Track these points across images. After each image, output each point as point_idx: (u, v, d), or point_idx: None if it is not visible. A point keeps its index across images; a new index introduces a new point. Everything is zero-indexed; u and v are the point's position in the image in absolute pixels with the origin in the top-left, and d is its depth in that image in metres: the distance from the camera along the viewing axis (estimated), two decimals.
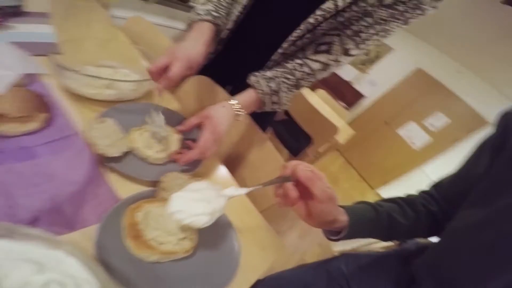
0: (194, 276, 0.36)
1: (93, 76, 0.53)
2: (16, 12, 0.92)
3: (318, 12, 0.53)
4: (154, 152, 0.48)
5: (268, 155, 0.68)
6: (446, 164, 2.73)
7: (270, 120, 0.88)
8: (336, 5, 0.51)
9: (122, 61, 0.69)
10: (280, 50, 0.61)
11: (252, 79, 0.57)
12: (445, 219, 0.48)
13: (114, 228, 0.35)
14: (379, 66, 3.32)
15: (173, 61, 0.49)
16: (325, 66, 0.58)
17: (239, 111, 0.55)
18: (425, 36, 2.86)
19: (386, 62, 3.27)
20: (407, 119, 3.04)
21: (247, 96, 0.56)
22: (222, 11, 0.63)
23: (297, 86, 0.60)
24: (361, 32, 0.55)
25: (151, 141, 0.49)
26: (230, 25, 0.66)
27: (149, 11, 1.82)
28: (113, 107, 0.54)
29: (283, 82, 0.57)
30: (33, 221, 0.33)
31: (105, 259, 0.31)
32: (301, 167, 0.37)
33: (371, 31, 0.55)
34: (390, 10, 0.52)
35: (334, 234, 0.45)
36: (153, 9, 1.86)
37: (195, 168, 0.52)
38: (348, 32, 0.56)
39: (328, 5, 0.52)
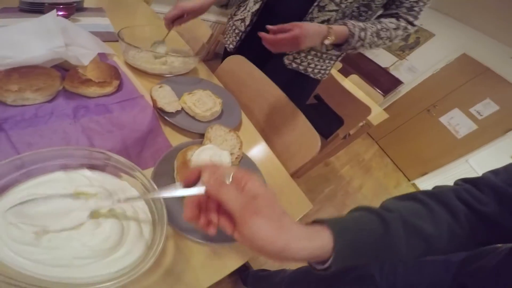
0: None
1: (154, 52, 0.65)
2: (78, 8, 1.09)
3: None
4: (201, 111, 0.57)
5: (299, 126, 0.74)
6: (494, 156, 2.51)
7: (303, 100, 0.95)
8: None
9: (169, 44, 0.80)
10: (316, 3, 0.66)
11: (340, 21, 0.65)
12: (502, 220, 0.32)
13: (167, 168, 0.44)
14: (419, 52, 3.11)
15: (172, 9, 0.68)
16: (397, 27, 0.68)
17: (330, 35, 0.61)
18: (471, 21, 2.65)
19: (427, 48, 3.05)
20: (451, 106, 2.82)
21: (341, 28, 0.63)
22: None
23: (378, 35, 0.67)
24: (413, 7, 0.67)
25: (198, 103, 0.58)
26: (255, 7, 0.75)
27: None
28: (168, 79, 0.66)
29: (369, 26, 0.65)
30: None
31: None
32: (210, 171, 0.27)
33: (421, 3, 0.67)
34: None
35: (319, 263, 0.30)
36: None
37: (233, 126, 0.60)
38: (403, 10, 0.68)
39: None
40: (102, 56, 0.67)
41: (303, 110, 1.82)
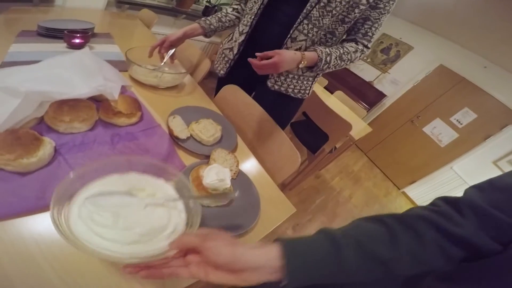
0: (230, 218, 0.57)
1: (150, 69, 0.94)
2: (92, 34, 1.23)
3: (308, 4, 0.78)
4: (205, 137, 0.73)
5: (283, 145, 0.89)
6: (477, 162, 2.70)
7: (288, 119, 1.12)
8: None
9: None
10: (289, 35, 0.83)
11: (311, 47, 0.82)
12: (479, 241, 0.33)
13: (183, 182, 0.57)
14: (400, 65, 3.34)
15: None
16: (356, 50, 0.85)
17: (303, 60, 0.77)
18: (446, 33, 2.86)
19: (407, 61, 3.28)
20: (432, 116, 3.02)
21: (311, 53, 0.79)
22: (213, 24, 0.99)
23: (341, 58, 0.83)
24: (367, 32, 0.84)
25: (203, 130, 0.74)
26: (241, 38, 0.93)
27: (180, 25, 2.41)
28: (177, 109, 0.82)
29: (334, 51, 0.81)
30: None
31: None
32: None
33: (373, 29, 0.83)
34: (377, 10, 0.79)
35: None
36: (182, 24, 2.47)
37: (230, 149, 0.76)
38: (359, 35, 0.85)
39: None
40: (122, 87, 0.83)
41: (292, 127, 1.97)
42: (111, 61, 0.93)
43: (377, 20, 0.81)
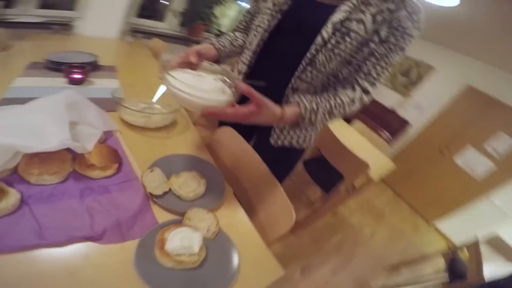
0: (197, 282, 0.50)
1: (136, 110, 0.88)
2: (94, 67, 1.24)
3: (312, 47, 0.66)
4: (185, 192, 0.65)
5: (278, 198, 0.78)
6: None
7: (290, 170, 1.01)
8: (323, 37, 0.65)
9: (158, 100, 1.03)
10: (291, 85, 0.73)
11: (296, 97, 0.66)
12: None
13: (150, 242, 0.52)
14: (423, 88, 3.13)
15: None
16: (352, 101, 0.69)
17: (282, 122, 0.63)
18: (472, 51, 2.65)
19: (430, 82, 3.07)
20: (463, 144, 2.74)
21: (293, 113, 0.64)
22: (227, 46, 0.88)
23: (331, 113, 0.68)
24: (370, 72, 0.67)
25: (183, 185, 0.67)
26: (240, 77, 0.84)
27: None
28: (159, 159, 0.76)
29: (322, 105, 0.66)
30: (103, 233, 0.52)
31: (141, 262, 0.48)
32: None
33: (378, 68, 0.67)
34: (386, 46, 0.64)
35: None
36: None
37: (214, 205, 0.67)
38: (361, 75, 0.68)
39: (318, 39, 0.66)
40: (107, 132, 0.79)
41: (304, 164, 1.85)
42: (106, 100, 0.94)
43: (383, 57, 0.65)
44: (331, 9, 0.65)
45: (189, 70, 0.63)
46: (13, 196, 0.52)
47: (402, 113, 3.23)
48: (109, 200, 0.60)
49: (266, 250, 0.66)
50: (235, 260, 0.56)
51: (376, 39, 0.64)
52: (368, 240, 2.19)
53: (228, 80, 0.63)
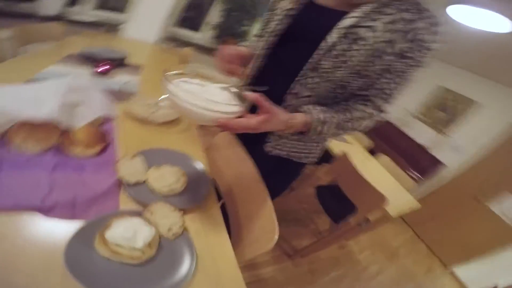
0: (131, 281, 0.43)
1: (144, 104, 0.91)
2: (120, 64, 1.32)
3: (316, 52, 0.63)
4: (159, 186, 0.61)
5: (265, 214, 0.71)
6: None
7: (287, 184, 0.95)
8: (327, 42, 0.61)
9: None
10: (289, 90, 0.68)
11: (305, 107, 0.64)
12: None
13: (97, 226, 0.46)
14: (463, 125, 2.81)
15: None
16: (363, 117, 0.65)
17: (289, 130, 0.61)
18: None
19: (472, 120, 2.75)
20: (502, 190, 2.41)
21: (300, 117, 0.62)
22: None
23: (340, 126, 0.65)
24: (384, 88, 0.63)
25: (159, 178, 0.63)
26: (248, 81, 0.81)
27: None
28: (150, 149, 0.74)
29: (331, 117, 0.63)
30: (52, 206, 0.48)
31: (76, 244, 0.43)
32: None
33: (393, 85, 0.62)
34: (403, 60, 0.59)
35: None
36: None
37: (186, 205, 0.62)
38: (374, 91, 0.64)
39: (322, 44, 0.62)
40: (106, 119, 0.79)
41: (317, 190, 1.76)
42: (117, 91, 1.01)
43: (400, 75, 0.61)
44: (342, 15, 0.61)
45: (190, 79, 0.58)
46: None
47: (436, 152, 2.93)
48: (79, 179, 0.58)
49: (236, 268, 0.57)
50: (187, 269, 0.48)
51: (390, 51, 0.59)
52: (372, 279, 1.95)
53: (229, 88, 0.58)
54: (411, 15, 0.56)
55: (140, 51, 1.84)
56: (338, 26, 0.60)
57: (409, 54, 0.58)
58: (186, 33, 2.67)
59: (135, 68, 1.38)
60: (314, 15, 0.67)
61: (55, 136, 0.63)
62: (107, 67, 1.16)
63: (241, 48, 0.79)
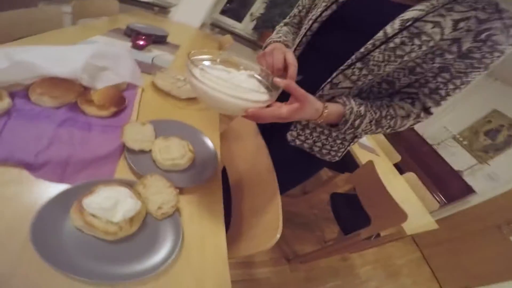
0: (100, 257, 0.39)
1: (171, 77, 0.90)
2: (159, 41, 1.34)
3: (370, 42, 0.55)
4: (161, 158, 0.57)
5: (271, 210, 0.65)
6: None
7: (302, 179, 0.88)
8: (386, 33, 0.53)
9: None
10: (330, 79, 0.61)
11: (344, 98, 0.58)
12: None
13: (78, 192, 0.42)
14: (508, 156, 2.52)
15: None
16: (407, 115, 0.59)
17: (322, 117, 0.54)
18: None
19: None
20: None
21: (335, 107, 0.56)
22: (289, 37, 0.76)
23: (379, 124, 0.59)
24: (439, 89, 0.56)
25: (164, 150, 0.59)
26: None
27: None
28: (163, 120, 0.71)
29: (371, 112, 0.57)
30: (43, 164, 0.46)
31: (49, 209, 0.39)
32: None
33: (450, 86, 0.55)
34: (467, 60, 0.51)
35: None
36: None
37: (185, 184, 0.57)
38: (425, 90, 0.57)
39: (379, 34, 0.54)
40: (130, 85, 0.78)
41: (331, 197, 1.66)
42: (148, 64, 1.04)
43: (461, 76, 0.53)
44: (402, 8, 0.54)
45: (213, 65, 0.53)
46: (4, 104, 0.52)
47: (469, 180, 2.65)
48: (83, 137, 0.56)
49: (225, 263, 0.52)
50: (165, 255, 0.43)
51: (455, 50, 0.50)
52: None
53: (257, 74, 0.53)
54: (487, 15, 0.48)
55: (183, 33, 1.86)
56: (401, 17, 0.53)
57: (476, 55, 0.50)
58: (229, 22, 2.67)
59: (174, 47, 1.39)
60: (369, 5, 0.60)
61: (72, 94, 0.63)
62: (145, 41, 1.18)
63: (289, 56, 0.59)
